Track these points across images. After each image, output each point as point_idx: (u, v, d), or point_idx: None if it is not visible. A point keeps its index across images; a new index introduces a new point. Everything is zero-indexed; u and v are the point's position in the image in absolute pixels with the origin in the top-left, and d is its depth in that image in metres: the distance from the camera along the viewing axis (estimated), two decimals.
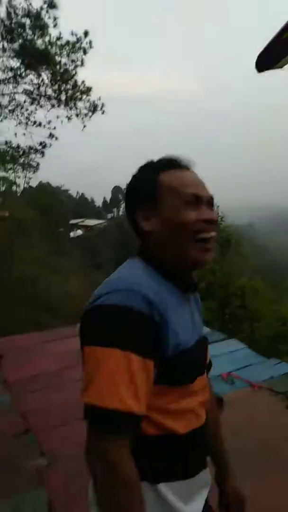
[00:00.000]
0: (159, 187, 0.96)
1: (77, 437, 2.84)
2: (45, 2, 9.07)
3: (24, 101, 10.76)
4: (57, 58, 9.85)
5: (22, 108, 10.84)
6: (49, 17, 9.20)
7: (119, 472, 0.78)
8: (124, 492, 0.78)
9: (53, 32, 9.57)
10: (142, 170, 1.03)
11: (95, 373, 0.80)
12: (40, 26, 9.27)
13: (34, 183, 28.21)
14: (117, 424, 0.78)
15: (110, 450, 0.79)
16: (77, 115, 10.79)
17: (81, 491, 2.19)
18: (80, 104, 10.69)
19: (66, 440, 2.72)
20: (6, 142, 11.19)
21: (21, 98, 10.76)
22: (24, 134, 11.06)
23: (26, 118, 10.90)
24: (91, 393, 0.80)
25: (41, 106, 10.78)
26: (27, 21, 9.23)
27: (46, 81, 10.33)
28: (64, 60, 9.97)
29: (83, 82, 10.38)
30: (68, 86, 10.33)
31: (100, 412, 0.78)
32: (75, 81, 10.31)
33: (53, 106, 10.68)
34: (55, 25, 9.38)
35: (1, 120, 10.84)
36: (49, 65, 9.80)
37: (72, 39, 9.70)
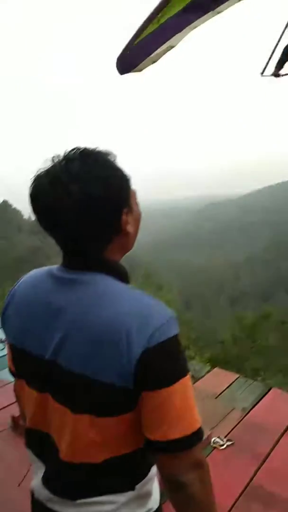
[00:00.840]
0: (131, 189, 0.99)
1: None
2: None
3: None
4: None
5: None
6: None
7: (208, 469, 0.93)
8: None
9: None
10: (115, 171, 0.94)
11: (187, 403, 0.88)
12: None
13: None
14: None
15: (202, 455, 0.93)
16: None
17: None
18: None
19: None
20: None
21: None
22: None
23: None
24: (187, 424, 0.88)
25: None
26: None
27: None
28: None
29: None
30: None
31: (199, 431, 0.89)
32: None
33: None
34: None
35: None
36: None
37: None
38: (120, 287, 0.94)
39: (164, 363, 0.86)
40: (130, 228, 0.97)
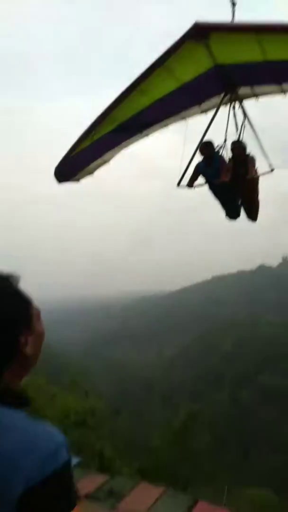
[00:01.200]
0: (32, 311, 0.99)
1: None
2: None
3: None
4: None
5: None
6: None
7: None
8: None
9: None
10: (10, 298, 0.94)
11: None
12: None
13: None
14: None
15: None
16: None
17: None
18: None
19: None
20: None
21: None
22: None
23: None
24: None
25: None
26: None
27: None
28: None
29: None
30: None
31: None
32: None
33: None
34: None
35: None
36: None
37: None
38: (7, 420, 0.87)
39: (47, 502, 0.79)
40: (29, 349, 0.96)
